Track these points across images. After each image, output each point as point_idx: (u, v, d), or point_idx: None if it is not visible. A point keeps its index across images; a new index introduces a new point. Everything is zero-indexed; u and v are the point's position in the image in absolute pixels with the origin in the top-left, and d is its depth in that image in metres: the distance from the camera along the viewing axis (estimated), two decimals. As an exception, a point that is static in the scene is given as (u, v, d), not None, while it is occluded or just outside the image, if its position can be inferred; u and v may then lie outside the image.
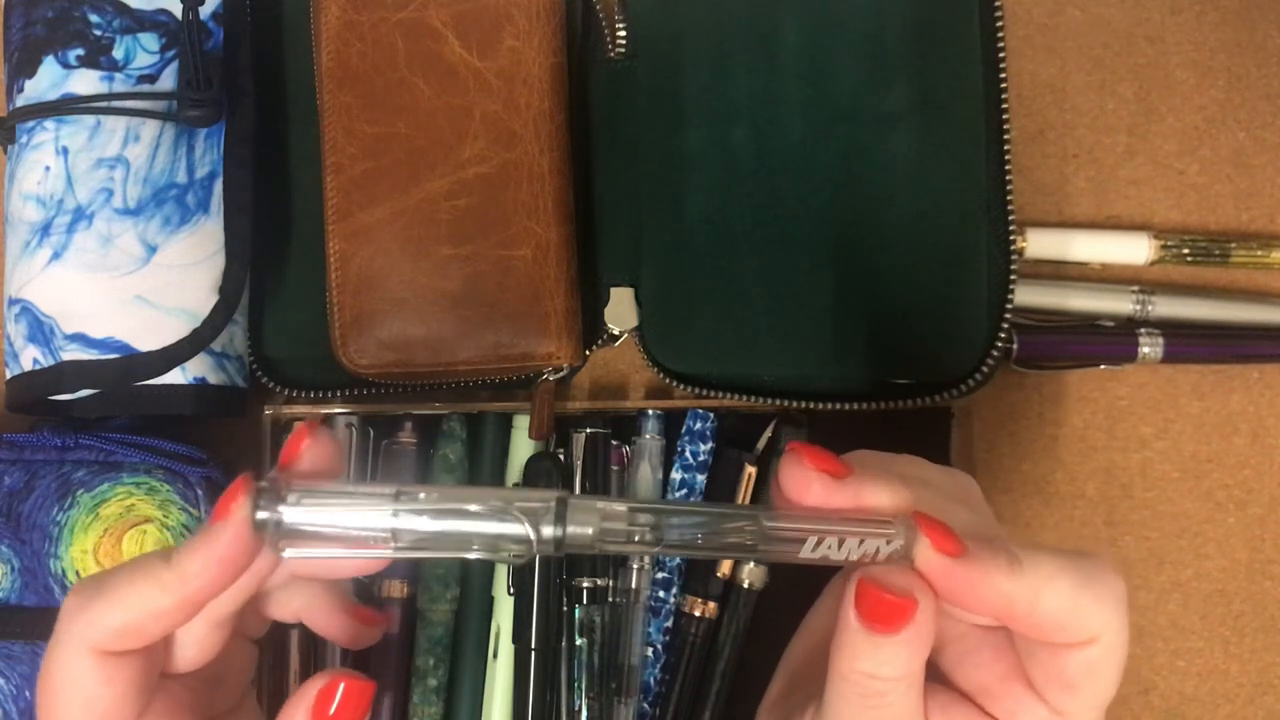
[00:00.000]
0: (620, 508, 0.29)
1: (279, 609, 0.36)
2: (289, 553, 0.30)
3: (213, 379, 0.50)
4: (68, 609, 0.30)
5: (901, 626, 0.28)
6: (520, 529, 0.29)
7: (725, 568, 0.52)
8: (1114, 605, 0.29)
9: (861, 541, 0.29)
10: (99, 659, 0.30)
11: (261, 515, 0.29)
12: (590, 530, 0.29)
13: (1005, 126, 0.50)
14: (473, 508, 0.29)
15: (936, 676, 0.32)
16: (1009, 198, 0.50)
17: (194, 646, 0.32)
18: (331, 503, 0.29)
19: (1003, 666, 0.31)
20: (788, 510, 0.30)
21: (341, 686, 0.30)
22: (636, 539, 0.29)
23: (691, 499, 0.52)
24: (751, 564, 0.52)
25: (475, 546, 0.29)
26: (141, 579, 0.30)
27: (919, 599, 0.28)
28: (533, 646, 0.50)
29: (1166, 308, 0.54)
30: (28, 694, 0.49)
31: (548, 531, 0.29)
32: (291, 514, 0.29)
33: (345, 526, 0.29)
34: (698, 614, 0.52)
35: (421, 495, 0.29)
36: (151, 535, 0.49)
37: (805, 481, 0.30)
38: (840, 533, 0.29)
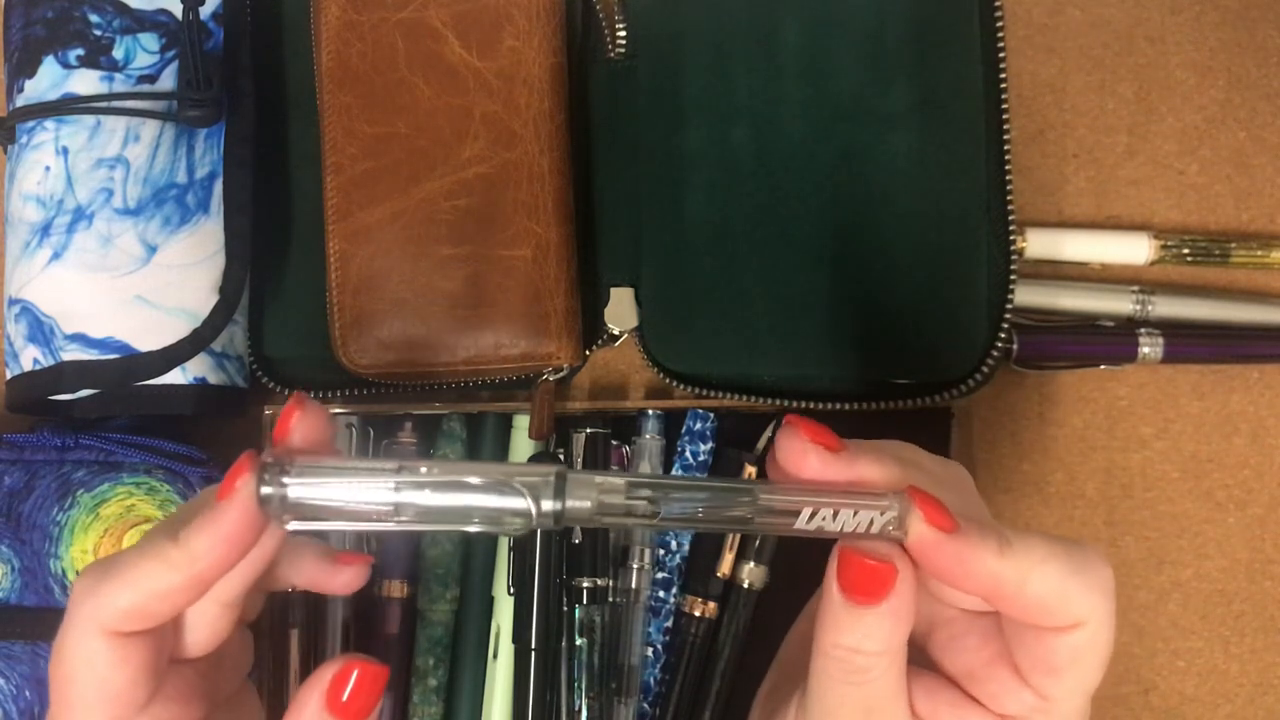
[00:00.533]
0: (618, 481, 0.30)
1: (266, 579, 0.36)
2: (293, 525, 0.30)
3: (213, 379, 0.50)
4: (77, 592, 0.30)
5: (882, 596, 0.29)
6: (520, 502, 0.29)
7: (725, 568, 0.52)
8: (1101, 593, 0.29)
9: (856, 513, 0.29)
10: (111, 640, 0.30)
11: (266, 491, 0.29)
12: (588, 504, 0.30)
13: (1005, 126, 0.50)
14: (473, 480, 0.29)
15: (924, 662, 0.32)
16: (1009, 198, 0.50)
17: (206, 629, 0.33)
18: (335, 477, 0.30)
19: (989, 651, 0.31)
20: (783, 484, 0.31)
21: (355, 672, 0.30)
22: (634, 513, 0.30)
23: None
24: (751, 564, 0.52)
25: (476, 520, 0.30)
26: (149, 559, 0.30)
27: (898, 566, 0.29)
28: (533, 646, 0.50)
29: (1166, 308, 0.54)
30: (28, 694, 0.49)
31: (547, 505, 0.29)
32: (295, 489, 0.29)
33: (348, 500, 0.30)
34: (698, 614, 0.52)
35: (424, 469, 0.30)
36: (151, 535, 0.49)
37: (801, 453, 0.30)
38: (835, 504, 0.29)
